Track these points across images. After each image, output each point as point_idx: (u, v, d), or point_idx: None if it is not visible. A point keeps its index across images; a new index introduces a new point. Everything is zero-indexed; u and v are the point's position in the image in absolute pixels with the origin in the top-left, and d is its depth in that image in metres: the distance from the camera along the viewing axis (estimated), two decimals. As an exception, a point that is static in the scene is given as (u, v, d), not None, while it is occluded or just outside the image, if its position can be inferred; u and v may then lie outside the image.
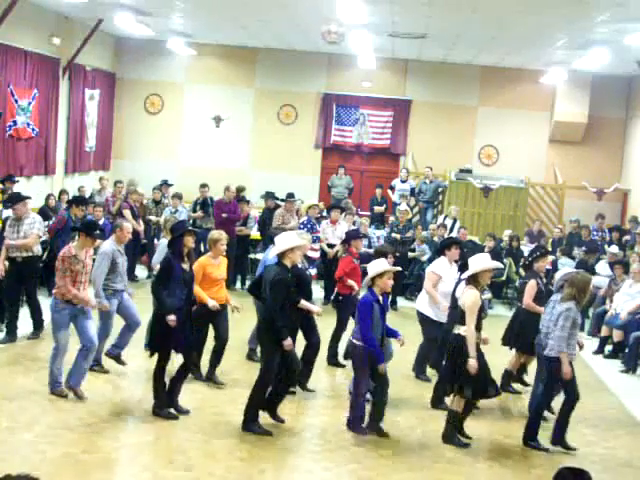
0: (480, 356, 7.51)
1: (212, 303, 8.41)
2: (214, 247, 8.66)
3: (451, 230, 16.22)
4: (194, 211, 15.60)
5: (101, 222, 13.64)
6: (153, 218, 15.07)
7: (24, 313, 11.29)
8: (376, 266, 7.65)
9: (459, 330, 7.58)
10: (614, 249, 14.18)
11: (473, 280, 7.63)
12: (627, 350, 11.19)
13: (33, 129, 15.40)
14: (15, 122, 14.68)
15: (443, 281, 9.24)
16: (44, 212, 14.49)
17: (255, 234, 15.17)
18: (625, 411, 9.33)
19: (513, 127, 19.74)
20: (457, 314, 7.72)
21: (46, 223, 13.80)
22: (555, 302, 8.00)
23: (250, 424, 7.49)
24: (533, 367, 9.19)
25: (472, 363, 7.36)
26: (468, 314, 7.48)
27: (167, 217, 10.35)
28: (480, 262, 7.70)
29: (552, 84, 18.94)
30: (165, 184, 16.15)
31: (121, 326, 8.97)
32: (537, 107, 19.67)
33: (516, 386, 9.55)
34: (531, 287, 9.14)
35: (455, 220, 16.64)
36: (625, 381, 10.50)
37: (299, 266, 8.43)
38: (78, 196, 14.76)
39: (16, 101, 14.64)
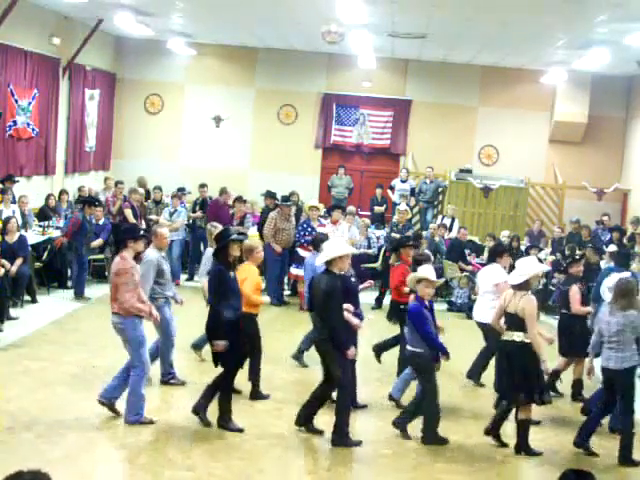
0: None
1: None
2: (251, 256, 8.31)
3: (450, 229, 16.25)
4: (193, 211, 15.63)
5: (101, 222, 13.66)
6: (153, 218, 15.07)
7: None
8: (423, 271, 7.62)
9: (513, 337, 7.41)
10: (613, 249, 14.13)
11: (526, 285, 7.49)
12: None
13: (33, 129, 15.40)
14: (15, 122, 14.68)
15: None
16: (44, 212, 14.52)
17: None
18: (625, 411, 9.31)
19: (513, 127, 19.73)
20: (512, 320, 7.52)
21: (46, 223, 13.84)
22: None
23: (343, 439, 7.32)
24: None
25: (548, 365, 7.33)
26: (530, 320, 7.33)
27: (209, 228, 9.93)
28: (530, 267, 7.57)
29: (552, 84, 18.94)
30: (181, 192, 15.69)
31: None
32: (537, 107, 19.66)
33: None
34: (575, 292, 9.14)
35: (453, 219, 16.67)
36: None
37: (346, 274, 8.16)
38: (90, 197, 14.77)
39: (16, 101, 14.64)
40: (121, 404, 7.58)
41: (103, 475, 6.45)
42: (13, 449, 6.72)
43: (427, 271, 7.67)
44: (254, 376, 8.50)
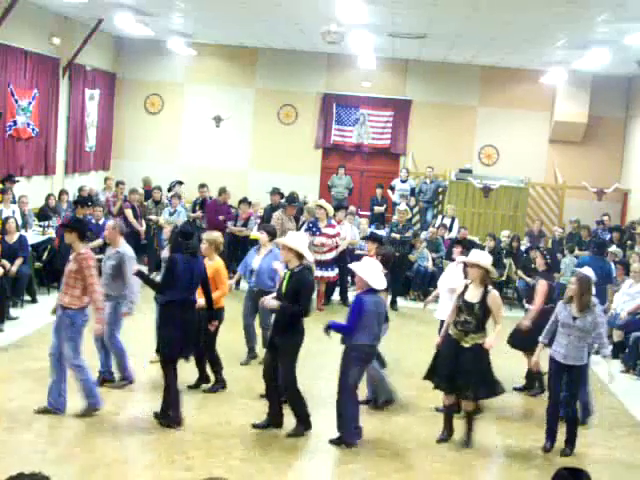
0: (457, 352, 7.46)
1: None
2: None
3: (450, 229, 16.25)
4: (193, 211, 15.64)
5: (101, 222, 13.64)
6: (153, 218, 15.08)
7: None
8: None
9: None
10: (613, 249, 14.13)
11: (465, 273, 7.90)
12: (627, 350, 11.19)
13: (33, 129, 15.40)
14: (15, 122, 14.68)
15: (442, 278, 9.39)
16: (44, 212, 14.52)
17: (256, 234, 15.09)
18: (625, 411, 9.33)
19: (513, 127, 19.73)
20: None
21: (46, 223, 13.83)
22: None
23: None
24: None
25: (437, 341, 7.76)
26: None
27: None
28: (470, 255, 7.83)
29: (552, 84, 18.93)
30: (174, 184, 16.04)
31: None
32: (537, 107, 19.66)
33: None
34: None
35: (453, 219, 16.66)
36: (625, 381, 10.49)
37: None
38: (83, 197, 14.79)
39: (16, 101, 14.64)
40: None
41: (103, 475, 6.45)
42: (13, 449, 6.72)
43: (355, 265, 7.62)
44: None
